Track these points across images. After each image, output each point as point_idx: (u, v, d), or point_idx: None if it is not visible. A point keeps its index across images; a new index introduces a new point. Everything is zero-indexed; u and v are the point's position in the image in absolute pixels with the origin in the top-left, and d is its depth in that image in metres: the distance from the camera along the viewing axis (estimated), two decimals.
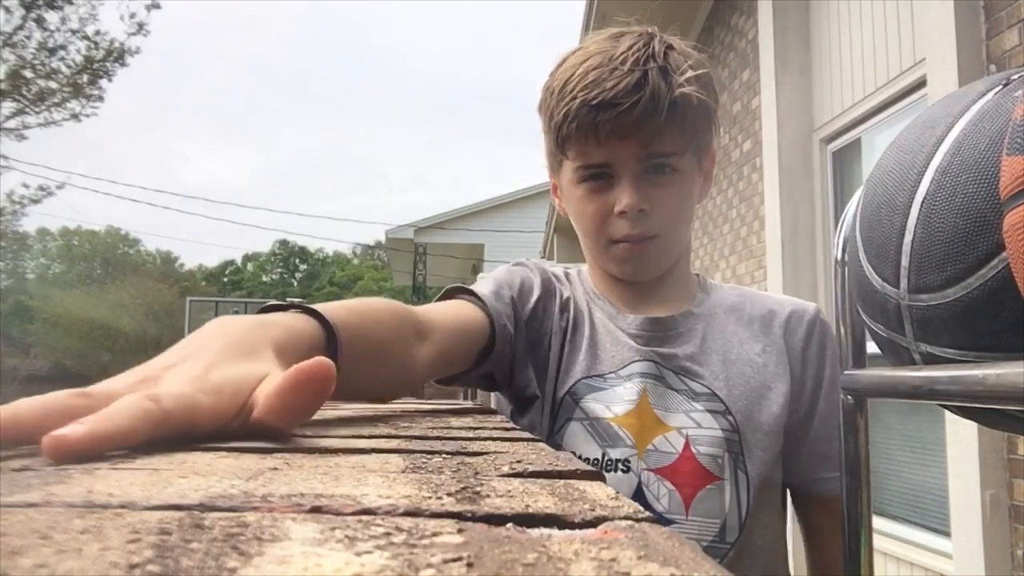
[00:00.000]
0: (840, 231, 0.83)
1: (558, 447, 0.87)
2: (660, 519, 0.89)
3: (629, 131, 0.87)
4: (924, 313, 0.64)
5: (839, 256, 0.83)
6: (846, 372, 0.84)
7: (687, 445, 0.88)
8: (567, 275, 1.04)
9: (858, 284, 0.74)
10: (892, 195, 0.68)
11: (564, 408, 0.91)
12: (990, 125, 0.61)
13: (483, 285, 0.94)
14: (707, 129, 0.94)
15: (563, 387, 0.93)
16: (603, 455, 0.87)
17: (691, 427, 0.88)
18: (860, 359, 0.84)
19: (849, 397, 0.84)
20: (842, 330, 0.85)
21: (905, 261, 0.65)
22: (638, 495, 0.85)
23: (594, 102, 0.86)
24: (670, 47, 0.90)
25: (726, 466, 0.88)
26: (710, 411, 0.90)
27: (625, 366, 0.93)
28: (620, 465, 0.87)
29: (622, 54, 0.87)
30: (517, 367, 0.93)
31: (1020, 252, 0.53)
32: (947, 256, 0.61)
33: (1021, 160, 0.53)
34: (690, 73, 0.88)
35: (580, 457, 0.87)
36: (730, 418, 0.90)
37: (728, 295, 1.02)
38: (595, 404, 0.90)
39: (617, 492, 0.84)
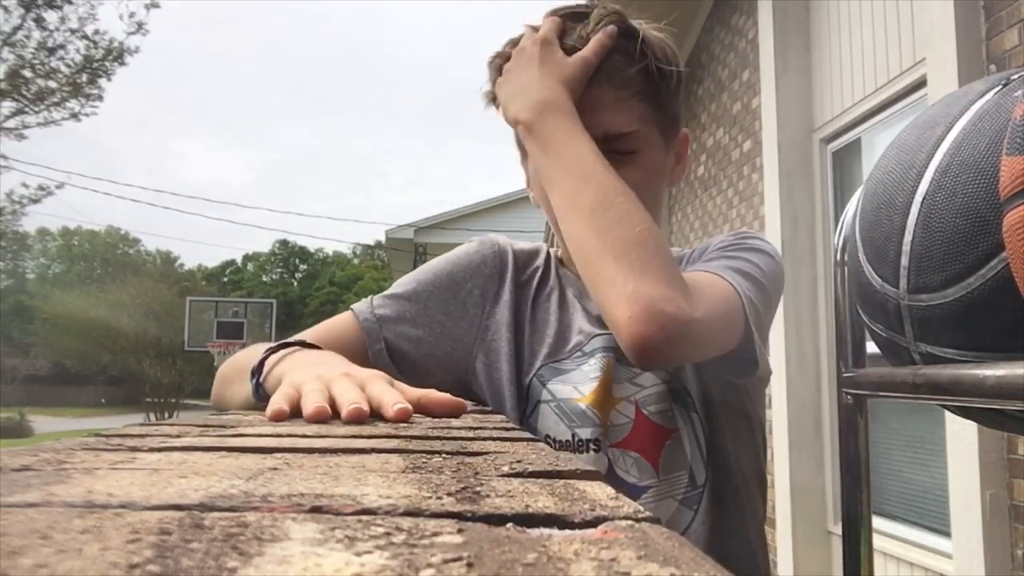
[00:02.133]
0: (840, 231, 0.83)
1: (533, 431, 0.88)
2: (634, 490, 0.86)
3: (596, 100, 0.86)
4: (924, 313, 0.64)
5: (839, 256, 0.83)
6: (846, 372, 0.84)
7: (637, 410, 0.88)
8: (541, 250, 1.02)
9: (858, 284, 0.74)
10: (892, 195, 0.68)
11: (532, 391, 0.91)
12: (990, 125, 0.61)
13: (397, 284, 0.97)
14: (672, 103, 0.92)
15: (530, 370, 0.93)
16: (573, 436, 0.87)
17: (636, 391, 0.89)
18: (860, 359, 0.84)
19: (849, 397, 0.84)
20: (842, 330, 0.85)
21: (905, 261, 0.65)
22: (610, 473, 0.86)
23: None
24: (622, 22, 0.89)
25: (677, 416, 0.88)
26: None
27: (588, 341, 0.92)
28: (591, 445, 0.87)
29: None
30: (454, 357, 0.94)
31: (1020, 252, 0.53)
32: (947, 256, 0.61)
33: (1021, 160, 0.53)
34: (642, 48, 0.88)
35: (552, 439, 0.88)
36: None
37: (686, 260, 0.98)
38: (563, 385, 0.90)
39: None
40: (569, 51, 0.87)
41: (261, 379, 0.78)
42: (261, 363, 0.79)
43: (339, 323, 0.95)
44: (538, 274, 0.99)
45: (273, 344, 0.83)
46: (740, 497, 0.91)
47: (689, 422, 0.89)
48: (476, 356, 0.95)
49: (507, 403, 0.92)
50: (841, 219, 0.83)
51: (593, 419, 0.88)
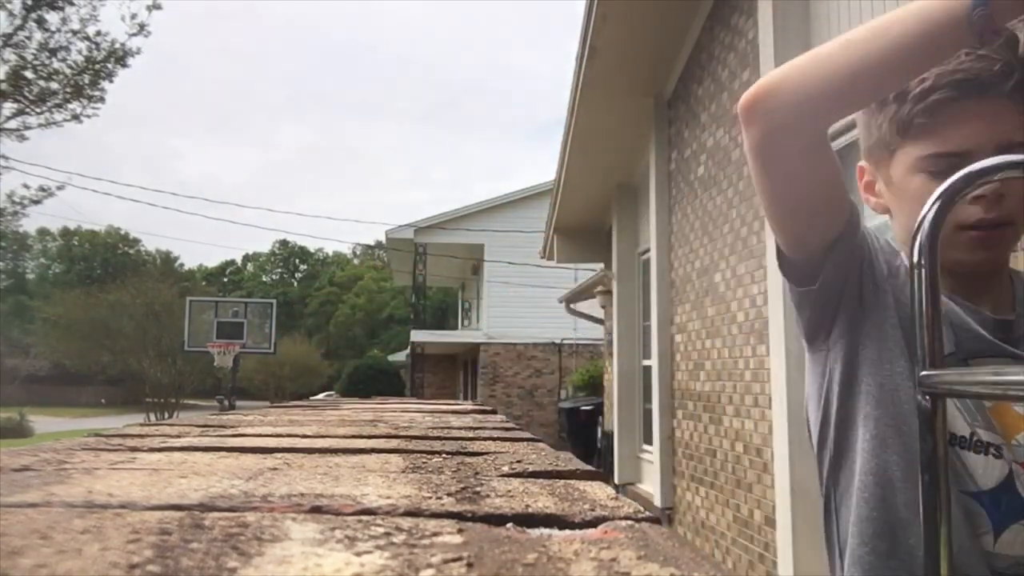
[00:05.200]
0: (919, 231, 0.81)
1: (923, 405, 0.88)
2: None
3: (995, 110, 0.88)
4: None
5: (916, 258, 0.81)
6: (923, 372, 0.83)
7: None
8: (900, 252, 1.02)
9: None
10: None
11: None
12: None
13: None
14: None
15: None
16: (971, 434, 0.87)
17: None
18: (936, 360, 0.83)
19: (927, 397, 0.83)
20: (920, 331, 0.84)
21: None
22: (1008, 482, 0.85)
23: (966, 77, 0.88)
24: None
25: None
26: None
27: (983, 357, 0.91)
28: (992, 449, 0.87)
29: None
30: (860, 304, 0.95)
31: None
32: None
33: None
34: None
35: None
36: None
37: None
38: None
39: (984, 472, 0.85)
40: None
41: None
42: None
43: None
44: (902, 271, 0.98)
45: None
46: None
47: None
48: (866, 333, 0.94)
49: (895, 365, 0.91)
50: (919, 219, 0.81)
51: (996, 427, 0.87)
